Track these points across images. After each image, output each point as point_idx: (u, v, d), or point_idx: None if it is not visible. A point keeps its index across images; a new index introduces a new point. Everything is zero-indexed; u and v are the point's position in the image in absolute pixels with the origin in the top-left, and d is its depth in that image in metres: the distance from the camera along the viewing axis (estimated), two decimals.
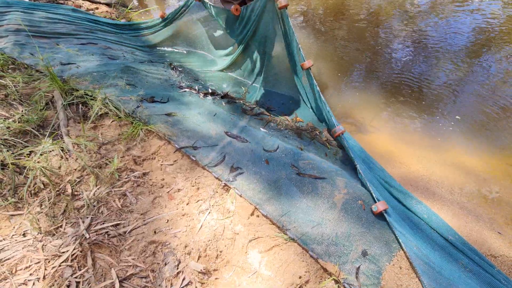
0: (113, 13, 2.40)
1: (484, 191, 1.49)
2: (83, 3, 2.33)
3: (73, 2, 2.25)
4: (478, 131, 1.89)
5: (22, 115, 1.40)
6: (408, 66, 2.42)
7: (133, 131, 1.38)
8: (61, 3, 2.20)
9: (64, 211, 1.10)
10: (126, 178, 1.22)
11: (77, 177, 1.20)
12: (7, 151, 1.22)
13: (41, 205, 1.11)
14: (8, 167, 1.16)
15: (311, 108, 1.74)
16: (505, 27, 2.92)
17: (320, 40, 2.63)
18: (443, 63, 2.50)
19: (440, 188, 1.49)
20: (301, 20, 2.89)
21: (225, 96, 1.85)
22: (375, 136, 1.80)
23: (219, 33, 2.02)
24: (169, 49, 2.12)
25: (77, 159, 1.26)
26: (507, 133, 1.85)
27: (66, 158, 1.26)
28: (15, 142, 1.29)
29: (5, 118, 1.38)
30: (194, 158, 1.32)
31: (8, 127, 1.32)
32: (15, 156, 1.19)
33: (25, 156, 1.24)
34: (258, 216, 1.16)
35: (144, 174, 1.26)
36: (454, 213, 1.38)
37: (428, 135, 1.85)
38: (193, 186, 1.23)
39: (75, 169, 1.23)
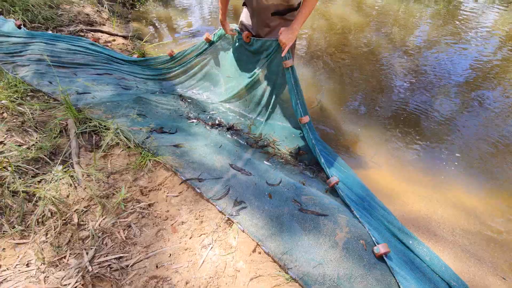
0: (128, 45, 2.55)
1: (486, 233, 1.49)
2: (101, 36, 2.49)
3: (92, 35, 2.41)
4: (478, 169, 1.92)
5: (36, 142, 1.46)
6: (409, 102, 2.52)
7: (141, 162, 1.43)
8: (82, 36, 2.36)
9: (69, 241, 1.12)
10: (131, 209, 1.25)
11: (84, 207, 1.23)
12: (19, 178, 1.26)
13: (46, 234, 1.13)
14: (19, 195, 1.19)
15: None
16: (500, 66, 3.07)
17: (323, 75, 2.76)
18: (443, 98, 2.60)
19: (442, 229, 1.49)
20: (304, 55, 3.05)
21: (231, 128, 1.91)
22: (376, 172, 1.83)
23: (226, 65, 2.10)
24: (178, 84, 2.22)
25: (85, 188, 1.29)
26: (506, 171, 1.88)
27: (75, 187, 1.30)
28: (27, 169, 1.33)
29: (19, 145, 1.43)
30: (199, 190, 1.35)
31: (21, 154, 1.38)
32: (26, 184, 1.23)
33: (35, 183, 1.27)
34: (260, 253, 1.17)
35: (149, 205, 1.28)
36: (456, 256, 1.37)
37: (428, 172, 1.88)
38: (196, 219, 1.25)
39: (83, 198, 1.26)
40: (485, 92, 2.71)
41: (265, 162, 1.71)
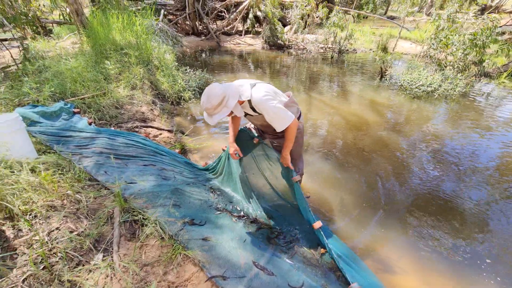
0: (172, 138, 3.01)
1: None
2: (151, 130, 2.99)
3: (145, 130, 2.91)
4: None
5: (85, 229, 1.66)
6: (433, 197, 2.52)
7: (172, 255, 1.54)
8: (136, 131, 2.86)
9: None
10: None
11: None
12: (66, 265, 1.41)
13: None
14: (64, 283, 1.32)
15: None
16: None
17: (341, 170, 2.93)
18: (470, 190, 2.61)
19: None
20: (322, 149, 3.31)
21: (254, 221, 2.03)
22: (402, 279, 1.76)
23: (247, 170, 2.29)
24: (212, 181, 2.46)
25: (120, 279, 1.39)
26: None
27: (111, 278, 1.41)
28: (72, 256, 1.49)
29: (71, 231, 1.64)
30: None
31: (72, 241, 1.56)
32: (72, 273, 1.37)
33: (78, 271, 1.41)
34: None
35: None
36: None
37: (460, 281, 1.76)
38: None
39: None
40: None
41: (287, 260, 1.74)
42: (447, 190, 2.61)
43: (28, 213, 1.65)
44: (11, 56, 4.33)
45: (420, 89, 5.08)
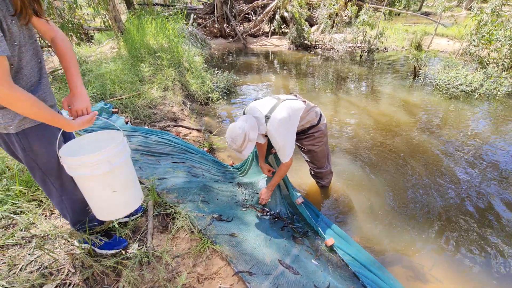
0: (200, 137, 3.13)
1: None
2: (181, 130, 3.14)
3: (175, 129, 3.06)
4: None
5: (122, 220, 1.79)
6: (472, 204, 2.36)
7: (201, 248, 1.61)
8: (168, 130, 3.01)
9: None
10: None
11: (151, 286, 1.40)
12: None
13: None
14: (106, 268, 1.44)
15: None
16: None
17: (371, 171, 2.84)
18: None
19: None
20: (351, 150, 3.23)
21: (278, 218, 2.05)
22: None
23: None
24: (238, 178, 2.54)
25: (153, 268, 1.49)
26: None
27: (146, 266, 1.51)
28: None
29: (112, 223, 1.77)
30: (249, 286, 1.43)
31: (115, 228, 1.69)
32: (111, 258, 1.49)
33: (117, 257, 1.52)
34: None
35: None
36: None
37: None
38: None
39: (150, 279, 1.44)
40: None
41: (313, 261, 1.73)
42: (487, 198, 2.42)
43: None
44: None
45: (458, 88, 4.75)
